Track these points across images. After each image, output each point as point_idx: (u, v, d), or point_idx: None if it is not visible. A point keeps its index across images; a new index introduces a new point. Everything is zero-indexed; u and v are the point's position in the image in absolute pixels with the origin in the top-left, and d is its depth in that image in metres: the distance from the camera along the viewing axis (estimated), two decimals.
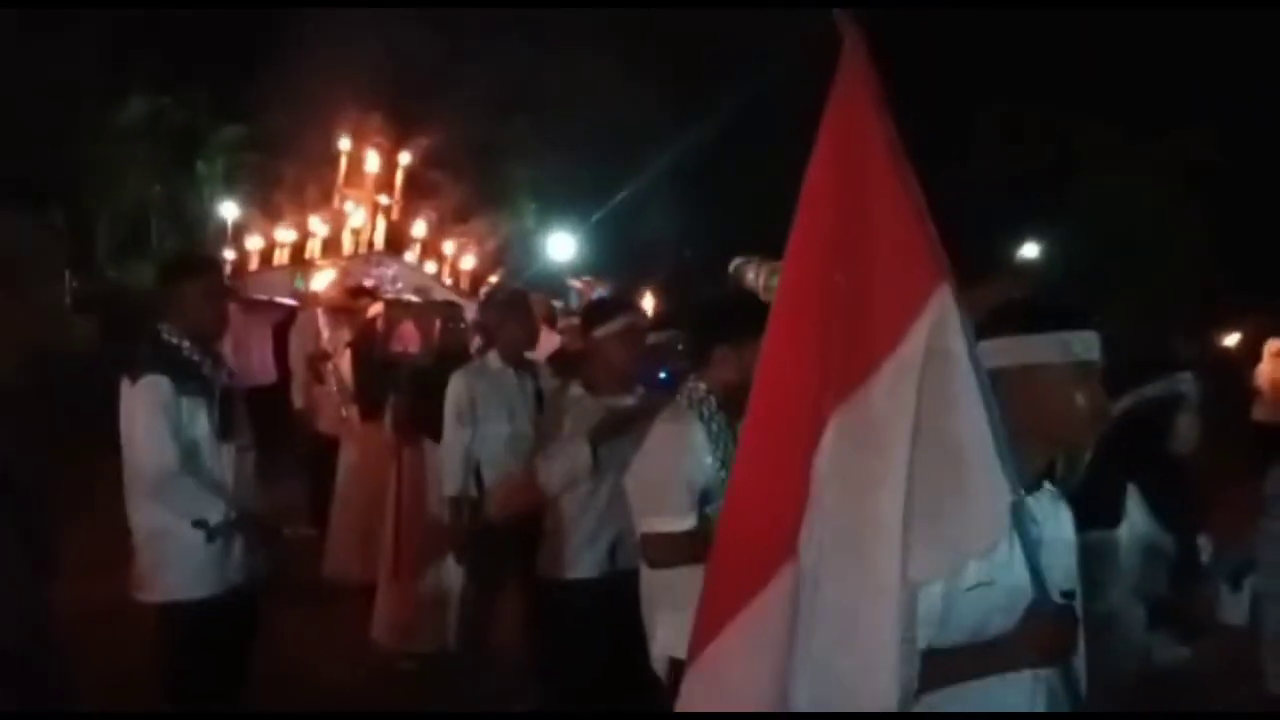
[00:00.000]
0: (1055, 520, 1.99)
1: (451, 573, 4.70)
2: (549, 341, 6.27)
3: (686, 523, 2.69)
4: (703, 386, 2.84)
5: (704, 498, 2.71)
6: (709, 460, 2.73)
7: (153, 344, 3.37)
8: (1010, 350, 1.91)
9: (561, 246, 15.57)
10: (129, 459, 3.33)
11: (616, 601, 3.10)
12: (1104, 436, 2.96)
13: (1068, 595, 1.93)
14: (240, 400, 3.57)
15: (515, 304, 4.54)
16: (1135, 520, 2.78)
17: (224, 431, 3.41)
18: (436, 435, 4.51)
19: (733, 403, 2.70)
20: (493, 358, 4.39)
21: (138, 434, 3.28)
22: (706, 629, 1.88)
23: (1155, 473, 2.84)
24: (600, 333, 3.54)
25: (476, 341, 6.25)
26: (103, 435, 3.56)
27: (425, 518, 4.91)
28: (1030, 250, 18.59)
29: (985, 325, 1.89)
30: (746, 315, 2.55)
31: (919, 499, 1.69)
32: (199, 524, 3.28)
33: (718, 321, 2.90)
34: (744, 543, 1.87)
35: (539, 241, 16.87)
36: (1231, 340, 14.98)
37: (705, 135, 16.33)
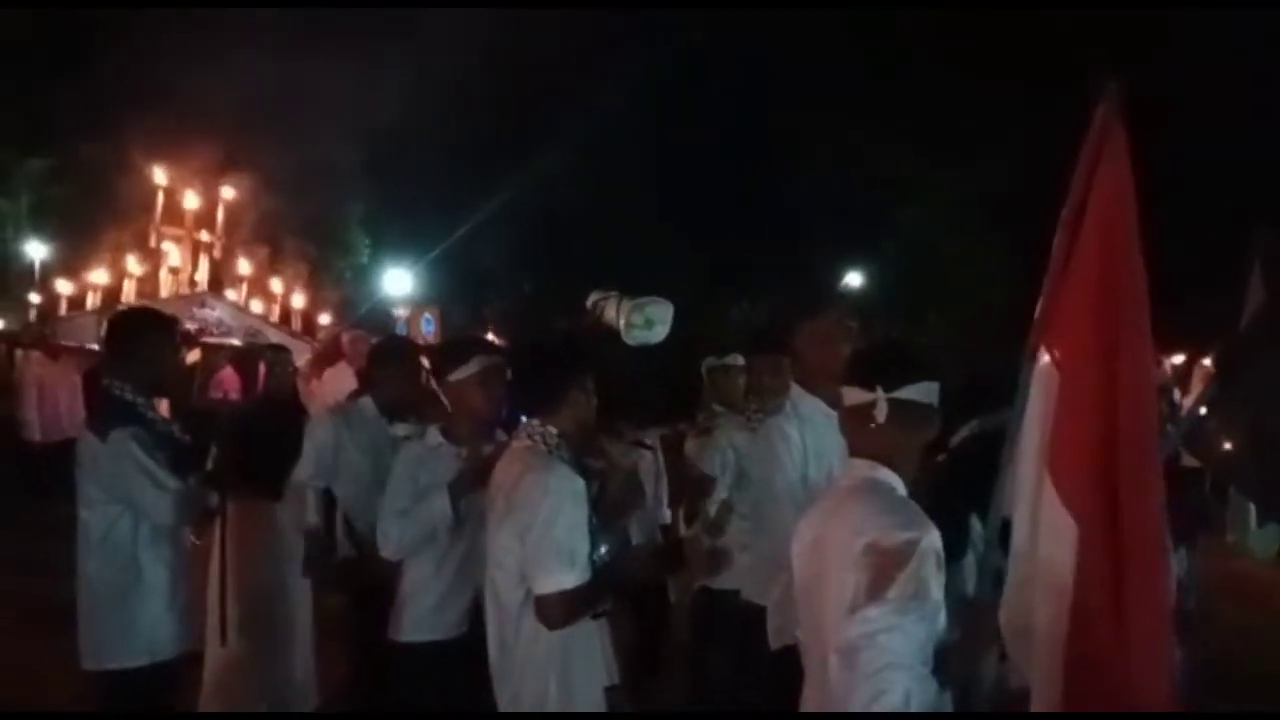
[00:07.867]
0: None
1: (289, 638, 4.48)
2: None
3: (585, 575, 2.60)
4: (554, 430, 2.74)
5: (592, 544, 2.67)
6: (587, 508, 2.66)
7: (108, 399, 3.38)
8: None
9: (396, 282, 15.20)
10: (104, 515, 3.32)
11: (469, 665, 2.91)
12: (943, 468, 3.01)
13: None
14: (194, 454, 3.58)
15: (400, 354, 4.35)
16: (980, 550, 2.79)
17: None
18: (263, 489, 4.21)
19: (582, 444, 2.79)
20: (366, 404, 4.17)
21: (136, 484, 3.28)
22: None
23: None
24: (456, 376, 3.31)
25: (310, 384, 5.93)
26: None
27: (253, 579, 4.56)
28: (854, 278, 19.42)
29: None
30: (591, 354, 2.74)
31: None
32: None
33: (573, 362, 2.84)
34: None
35: (373, 278, 16.39)
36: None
37: (544, 169, 16.29)
